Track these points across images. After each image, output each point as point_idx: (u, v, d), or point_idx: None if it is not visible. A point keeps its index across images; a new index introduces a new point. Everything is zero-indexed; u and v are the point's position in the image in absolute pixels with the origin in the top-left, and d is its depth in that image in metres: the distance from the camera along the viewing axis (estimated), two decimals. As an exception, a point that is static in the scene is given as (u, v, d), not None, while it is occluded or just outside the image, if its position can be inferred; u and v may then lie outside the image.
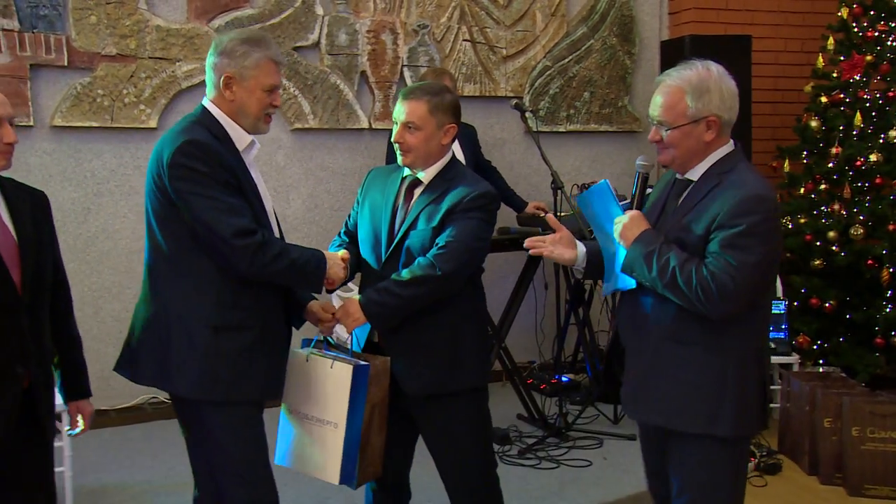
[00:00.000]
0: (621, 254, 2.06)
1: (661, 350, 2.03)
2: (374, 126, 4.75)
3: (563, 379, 4.37)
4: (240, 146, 2.19)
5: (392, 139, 2.39)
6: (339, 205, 4.74)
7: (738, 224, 1.89)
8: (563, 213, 3.99)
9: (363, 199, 2.51)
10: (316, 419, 2.29)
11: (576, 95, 5.25)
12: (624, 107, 5.35)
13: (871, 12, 4.60)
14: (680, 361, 2.00)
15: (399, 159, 2.40)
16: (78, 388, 2.33)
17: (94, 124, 4.20)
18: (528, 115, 4.20)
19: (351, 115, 4.70)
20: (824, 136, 4.62)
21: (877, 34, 4.53)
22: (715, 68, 2.03)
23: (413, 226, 2.35)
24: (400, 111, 2.36)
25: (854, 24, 4.64)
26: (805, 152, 4.74)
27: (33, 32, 4.05)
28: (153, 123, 4.31)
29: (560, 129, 5.22)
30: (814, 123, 4.64)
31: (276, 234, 2.27)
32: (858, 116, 4.46)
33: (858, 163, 4.43)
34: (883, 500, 3.39)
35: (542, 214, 4.41)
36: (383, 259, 2.38)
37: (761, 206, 1.90)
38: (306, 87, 4.58)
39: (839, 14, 4.72)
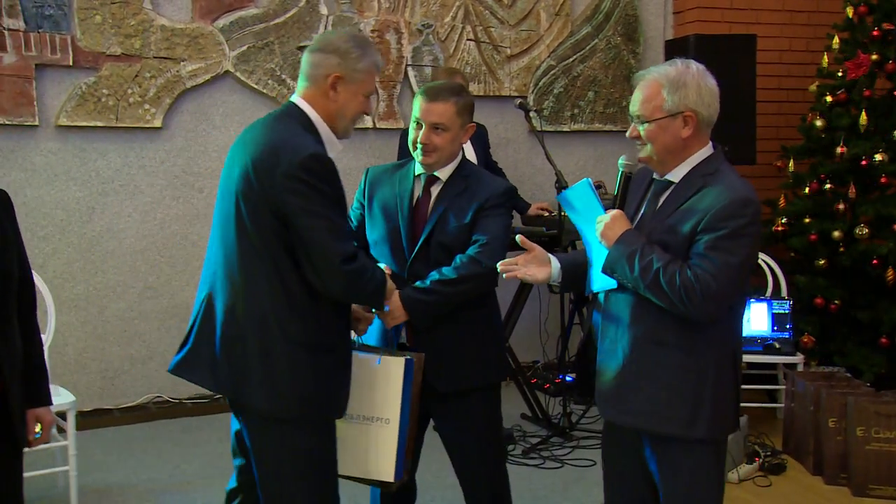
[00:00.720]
0: (602, 254, 2.03)
1: (639, 351, 2.00)
2: (378, 126, 4.75)
3: (567, 378, 4.36)
4: (331, 154, 2.09)
5: (418, 140, 2.34)
6: (343, 204, 4.73)
7: (723, 227, 1.89)
8: (566, 213, 3.99)
9: (369, 201, 2.48)
10: (363, 417, 2.24)
11: (580, 95, 5.24)
12: (628, 106, 5.34)
13: (877, 11, 4.59)
14: (659, 363, 1.98)
15: (420, 159, 2.38)
16: (37, 395, 2.14)
17: (99, 124, 4.21)
18: (532, 114, 4.20)
19: (355, 115, 4.69)
20: (829, 136, 4.60)
21: (882, 33, 4.51)
22: (695, 66, 2.02)
23: (442, 223, 2.36)
24: (427, 112, 2.33)
25: (859, 23, 4.63)
26: (810, 152, 4.73)
27: (39, 32, 4.06)
28: (158, 123, 4.31)
29: (564, 129, 5.21)
30: (819, 123, 4.62)
31: None
32: (864, 116, 4.45)
33: (864, 162, 4.41)
34: (888, 501, 3.38)
35: (546, 215, 4.42)
36: (409, 259, 2.37)
37: (747, 210, 1.91)
38: (310, 87, 4.58)
39: (845, 13, 4.71)
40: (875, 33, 4.53)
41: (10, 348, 2.03)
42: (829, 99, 4.63)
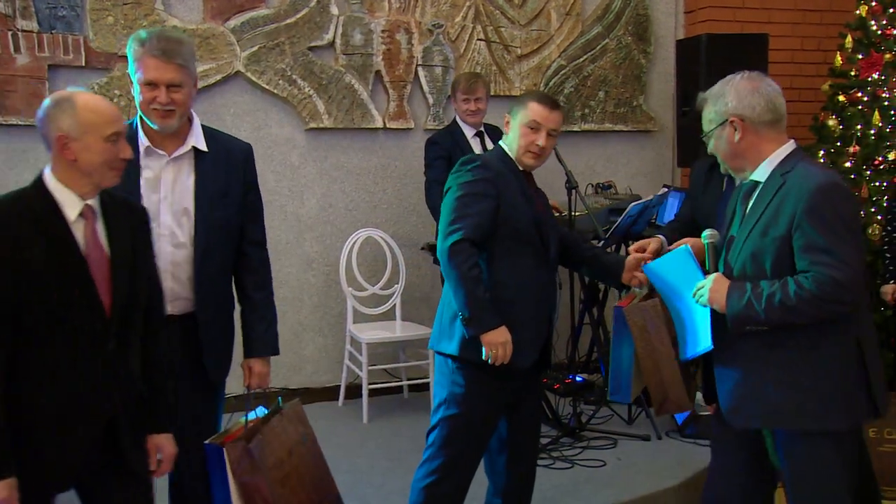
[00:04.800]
0: (703, 314, 2.14)
1: (758, 358, 2.07)
2: (388, 126, 4.76)
3: (577, 379, 4.36)
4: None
5: (540, 144, 2.54)
6: (353, 204, 4.75)
7: (815, 221, 1.94)
8: (577, 213, 3.99)
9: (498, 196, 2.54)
10: None
11: (590, 95, 5.23)
12: (639, 106, 5.33)
13: (890, 10, 4.55)
14: (780, 365, 2.05)
15: (533, 163, 2.60)
16: (155, 421, 2.05)
17: (111, 124, 4.23)
18: (542, 114, 4.19)
19: (365, 115, 4.71)
20: (842, 135, 4.58)
21: (895, 32, 4.49)
22: (743, 75, 2.15)
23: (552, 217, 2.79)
24: (549, 119, 2.55)
25: (872, 22, 4.60)
26: (822, 151, 4.69)
27: (52, 33, 4.09)
28: (169, 123, 4.33)
29: (574, 129, 5.20)
30: (831, 122, 4.60)
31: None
32: (877, 115, 4.42)
33: (876, 162, 4.39)
34: (901, 503, 3.36)
35: (557, 214, 4.41)
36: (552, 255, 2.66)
37: (831, 195, 1.96)
38: (321, 87, 4.60)
39: (857, 12, 4.68)
40: (888, 32, 4.50)
41: (127, 374, 1.96)
42: (841, 98, 4.61)
